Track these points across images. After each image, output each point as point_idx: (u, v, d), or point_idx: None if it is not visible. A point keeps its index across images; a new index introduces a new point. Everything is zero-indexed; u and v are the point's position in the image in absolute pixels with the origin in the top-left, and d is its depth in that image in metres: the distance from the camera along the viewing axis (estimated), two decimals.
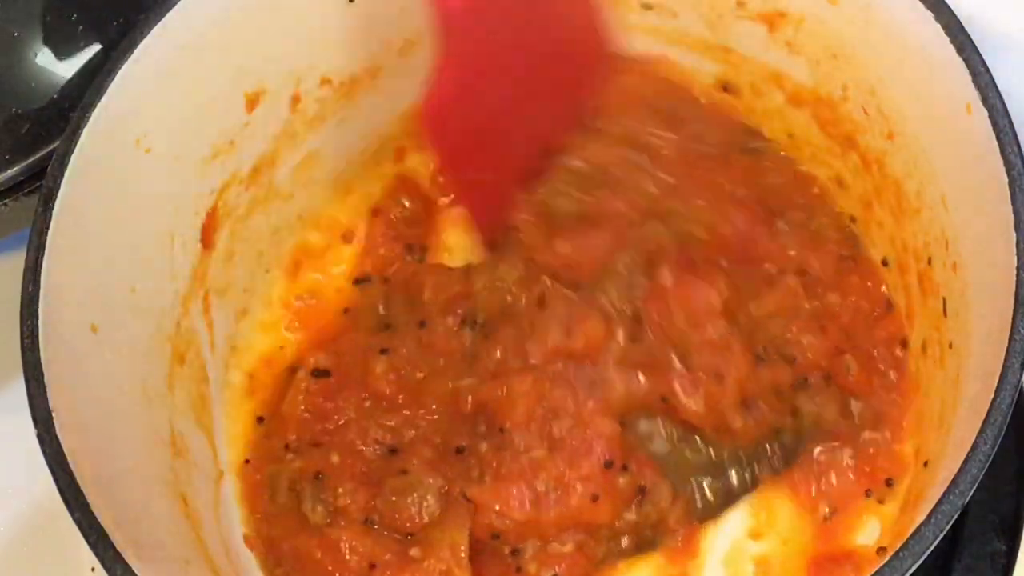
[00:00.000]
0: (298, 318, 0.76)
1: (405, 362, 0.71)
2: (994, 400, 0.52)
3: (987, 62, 0.58)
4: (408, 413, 0.71)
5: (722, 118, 0.75)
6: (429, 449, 0.69)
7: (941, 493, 0.51)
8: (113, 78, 0.62)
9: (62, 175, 0.60)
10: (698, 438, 0.67)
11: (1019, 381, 0.53)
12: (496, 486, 0.67)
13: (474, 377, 0.70)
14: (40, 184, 0.61)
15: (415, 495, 0.67)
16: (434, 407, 0.70)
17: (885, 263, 0.70)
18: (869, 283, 0.70)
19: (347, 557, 0.67)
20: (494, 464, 0.67)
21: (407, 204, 0.78)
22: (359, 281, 0.76)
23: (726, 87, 0.74)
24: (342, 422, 0.71)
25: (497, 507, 0.66)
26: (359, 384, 0.72)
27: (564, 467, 0.66)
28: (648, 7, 0.71)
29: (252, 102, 0.69)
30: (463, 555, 0.65)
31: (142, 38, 0.63)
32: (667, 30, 0.72)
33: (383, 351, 0.72)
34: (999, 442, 0.52)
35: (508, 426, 0.68)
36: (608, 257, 0.70)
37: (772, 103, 0.72)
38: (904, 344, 0.68)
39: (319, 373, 0.73)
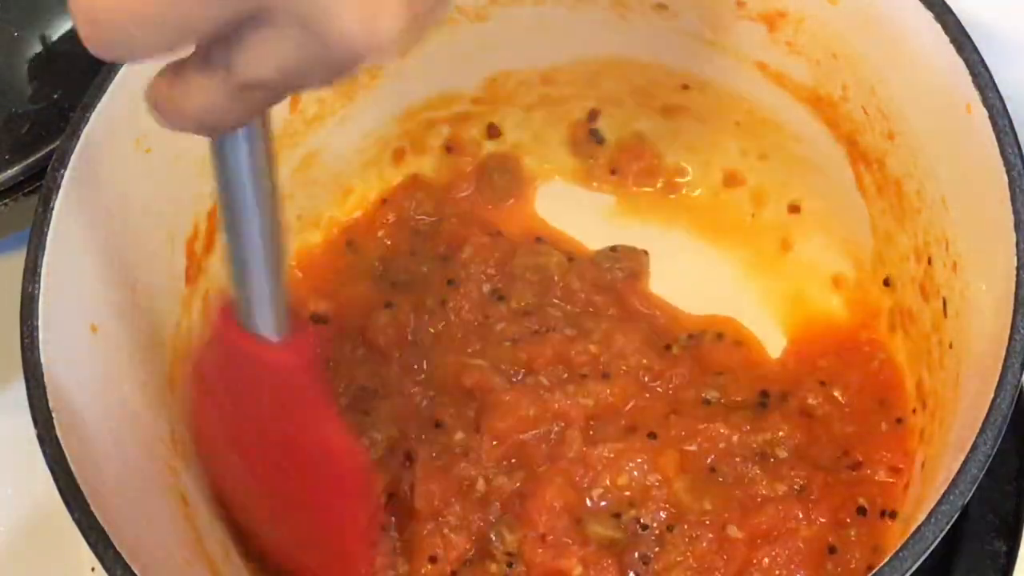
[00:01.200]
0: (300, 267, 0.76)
1: (414, 319, 0.72)
2: (994, 400, 0.52)
3: (987, 62, 0.58)
4: (398, 369, 0.71)
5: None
6: (404, 404, 0.69)
7: (941, 493, 0.51)
8: (113, 78, 0.62)
9: (62, 175, 0.60)
10: None
11: (1019, 381, 0.53)
12: (428, 489, 0.67)
13: (487, 361, 0.70)
14: (40, 184, 0.61)
15: (364, 437, 0.68)
16: (426, 372, 0.71)
17: (887, 283, 0.70)
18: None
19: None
20: (446, 461, 0.67)
21: (422, 202, 0.78)
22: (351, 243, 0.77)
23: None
24: (330, 365, 0.71)
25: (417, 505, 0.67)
26: (356, 334, 0.72)
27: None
28: (663, 7, 0.71)
29: None
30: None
31: None
32: (671, 31, 0.72)
33: (387, 305, 0.72)
34: (999, 442, 0.51)
35: (488, 432, 0.68)
36: None
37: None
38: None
39: (317, 319, 0.73)
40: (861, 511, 0.66)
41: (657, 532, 0.66)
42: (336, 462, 0.62)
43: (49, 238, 0.59)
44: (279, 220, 0.53)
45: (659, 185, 0.79)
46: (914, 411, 0.67)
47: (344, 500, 0.63)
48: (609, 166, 0.79)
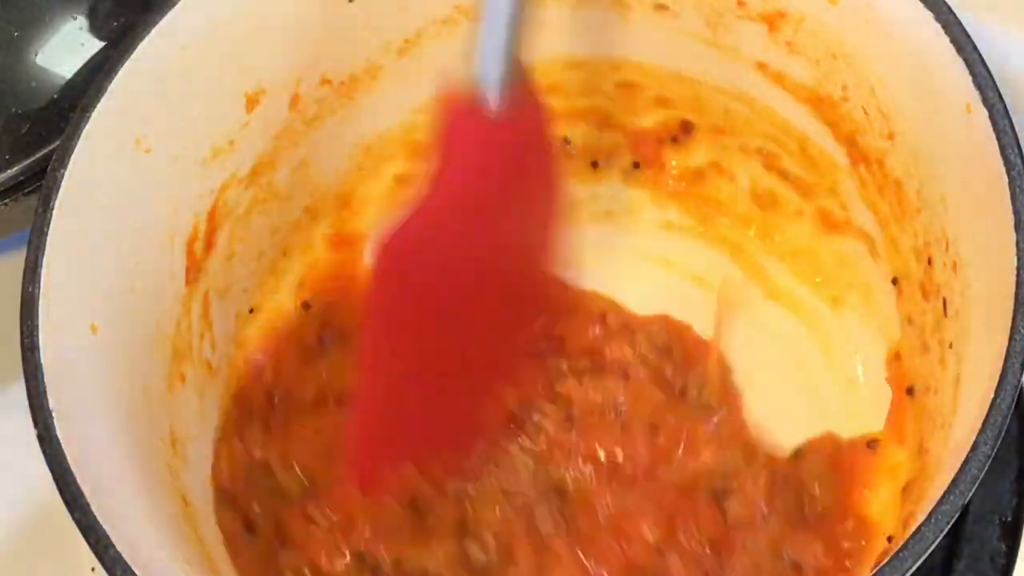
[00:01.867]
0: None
1: None
2: (994, 400, 0.52)
3: (987, 62, 0.58)
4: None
5: None
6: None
7: (941, 493, 0.51)
8: (113, 78, 0.62)
9: (62, 175, 0.60)
10: None
11: (1019, 381, 0.53)
12: None
13: None
14: (40, 184, 0.61)
15: None
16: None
17: (895, 281, 0.70)
18: None
19: None
20: None
21: None
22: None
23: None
24: None
25: None
26: None
27: None
28: (663, 7, 0.71)
29: (252, 102, 0.69)
30: None
31: (142, 38, 0.63)
32: (672, 31, 0.72)
33: None
34: (999, 442, 0.52)
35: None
36: None
37: None
38: None
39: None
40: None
41: None
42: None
43: (49, 238, 0.59)
44: None
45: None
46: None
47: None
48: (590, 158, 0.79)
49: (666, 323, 0.74)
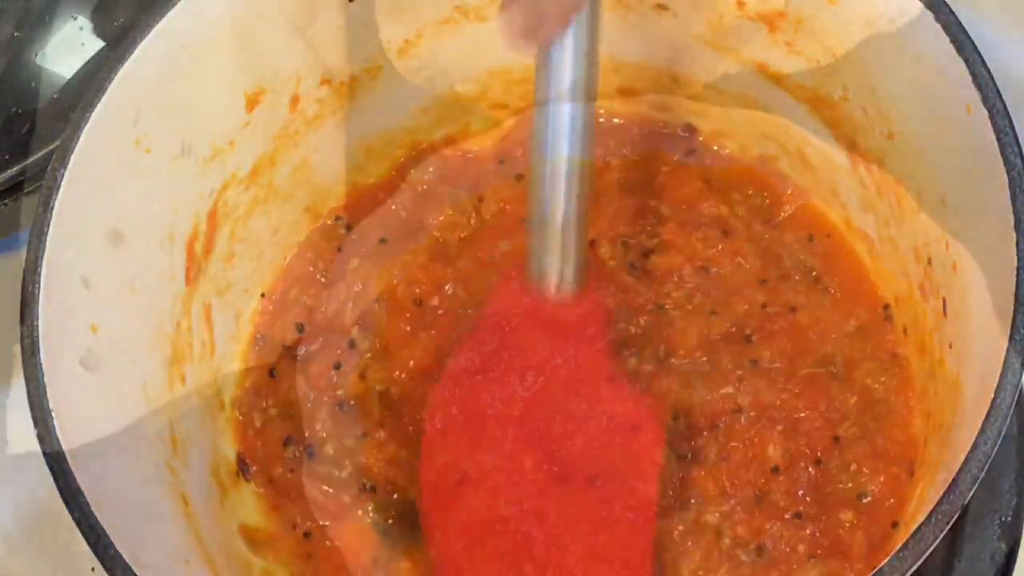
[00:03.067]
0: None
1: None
2: (994, 400, 0.52)
3: (987, 62, 0.58)
4: None
5: None
6: None
7: (941, 493, 0.51)
8: (113, 78, 0.62)
9: (62, 175, 0.60)
10: None
11: (1019, 381, 0.53)
12: None
13: None
14: (40, 184, 0.61)
15: None
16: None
17: (887, 307, 0.70)
18: None
19: None
20: None
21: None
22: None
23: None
24: None
25: None
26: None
27: None
28: (663, 8, 0.71)
29: (252, 102, 0.69)
30: None
31: (142, 38, 0.63)
32: (673, 31, 0.72)
33: None
34: (999, 442, 0.52)
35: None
36: None
37: None
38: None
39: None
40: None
41: None
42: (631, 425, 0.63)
43: (49, 238, 0.59)
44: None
45: None
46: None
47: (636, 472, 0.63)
48: None
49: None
